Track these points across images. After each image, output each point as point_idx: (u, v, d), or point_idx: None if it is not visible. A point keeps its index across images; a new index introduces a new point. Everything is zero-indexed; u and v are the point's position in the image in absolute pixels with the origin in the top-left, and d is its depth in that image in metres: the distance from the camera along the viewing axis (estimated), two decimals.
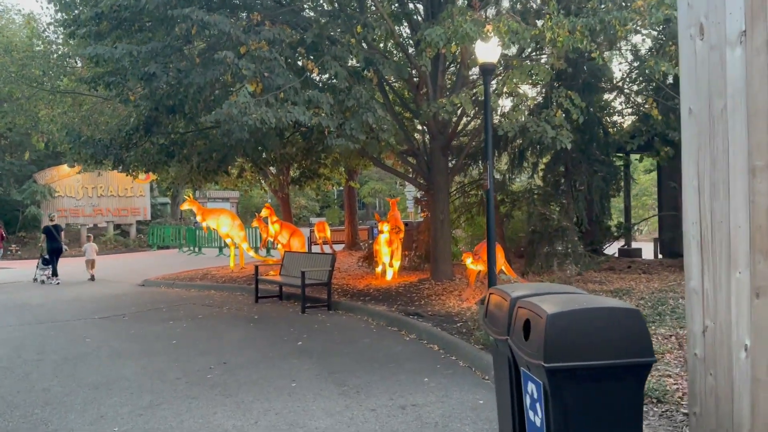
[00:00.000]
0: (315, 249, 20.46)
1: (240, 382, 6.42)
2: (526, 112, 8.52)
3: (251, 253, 17.55)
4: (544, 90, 9.74)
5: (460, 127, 11.82)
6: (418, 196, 31.57)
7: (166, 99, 8.39)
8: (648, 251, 17.90)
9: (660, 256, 16.80)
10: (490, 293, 4.46)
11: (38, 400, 6.05)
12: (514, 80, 8.29)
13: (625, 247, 17.48)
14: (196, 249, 25.46)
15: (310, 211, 46.75)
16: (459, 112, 12.08)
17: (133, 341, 8.70)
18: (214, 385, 6.35)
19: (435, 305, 9.81)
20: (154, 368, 7.13)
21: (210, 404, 5.75)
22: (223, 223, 16.63)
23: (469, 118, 11.80)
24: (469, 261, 9.45)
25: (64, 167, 28.56)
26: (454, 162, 12.12)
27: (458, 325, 8.34)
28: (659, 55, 8.13)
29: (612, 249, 16.20)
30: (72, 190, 29.84)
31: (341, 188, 44.36)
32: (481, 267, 9.71)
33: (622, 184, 13.97)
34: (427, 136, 12.63)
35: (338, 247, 20.54)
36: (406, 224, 14.81)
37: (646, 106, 9.83)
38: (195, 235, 25.47)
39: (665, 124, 10.26)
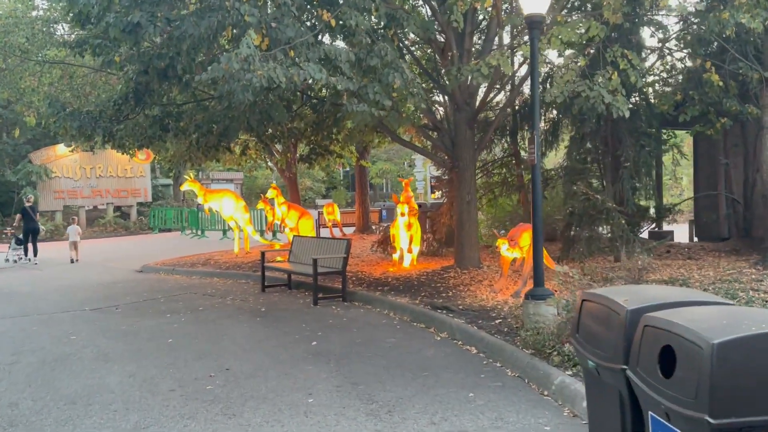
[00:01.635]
0: (323, 232, 19.34)
1: (245, 397, 5.33)
2: (575, 75, 7.32)
3: (257, 236, 16.45)
4: (585, 51, 8.46)
5: (488, 98, 10.60)
6: (438, 174, 30.46)
7: (156, 59, 7.21)
8: (679, 234, 16.70)
9: (695, 239, 15.60)
10: (585, 300, 3.30)
11: (1, 420, 4.97)
12: (560, 37, 7.08)
13: (656, 229, 16.28)
14: (199, 232, 24.38)
15: (315, 192, 45.58)
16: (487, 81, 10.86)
17: (123, 340, 7.62)
18: (214, 400, 5.26)
19: (465, 297, 8.68)
20: (144, 376, 6.05)
21: (209, 427, 4.67)
22: (227, 205, 15.50)
23: (498, 88, 10.57)
24: (504, 247, 8.31)
25: (61, 147, 27.37)
26: (480, 136, 10.91)
27: (497, 322, 7.22)
28: (734, 7, 6.90)
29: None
30: (69, 170, 28.71)
31: (347, 169, 43.18)
32: (518, 254, 8.57)
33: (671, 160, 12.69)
34: (450, 109, 11.40)
35: (348, 230, 19.42)
36: (419, 206, 13.67)
37: (705, 71, 8.58)
38: (197, 218, 24.37)
39: (724, 92, 9.03)
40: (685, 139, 13.97)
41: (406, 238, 11.34)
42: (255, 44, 5.45)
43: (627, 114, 7.24)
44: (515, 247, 8.45)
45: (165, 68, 7.34)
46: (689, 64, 10.06)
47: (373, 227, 19.23)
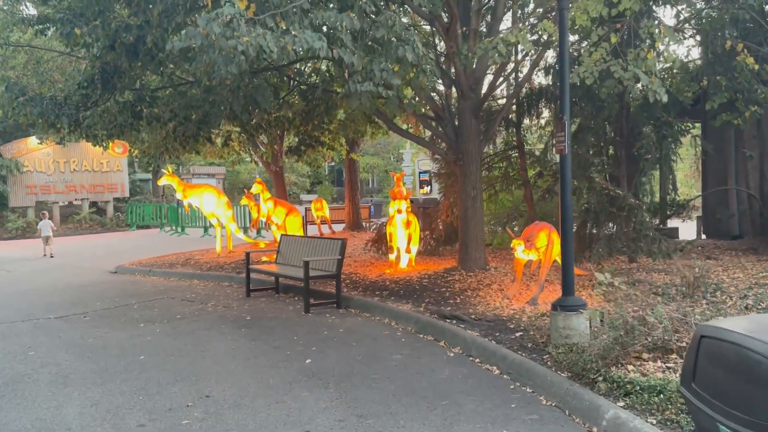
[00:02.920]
0: (311, 229, 18.36)
1: None
2: (606, 54, 6.45)
3: (240, 234, 15.42)
4: (614, 28, 7.52)
5: (497, 84, 9.70)
6: (429, 169, 29.57)
7: (124, 32, 6.19)
8: (685, 231, 15.99)
9: (704, 236, 14.87)
10: (705, 337, 2.41)
11: None
12: (588, 11, 6.21)
13: (660, 225, 15.55)
14: (179, 229, 23.26)
15: (300, 187, 44.44)
16: (493, 67, 9.98)
17: (88, 356, 6.62)
18: None
19: (475, 305, 7.80)
20: (109, 405, 5.08)
21: None
22: (208, 201, 14.45)
23: (505, 74, 9.68)
24: (521, 249, 7.42)
25: (32, 139, 26.07)
26: (486, 127, 10.03)
27: (517, 335, 6.34)
28: None
29: None
30: (42, 164, 27.37)
31: (333, 163, 42.08)
32: (534, 256, 7.70)
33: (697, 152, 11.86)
34: (446, 96, 10.49)
35: (338, 227, 18.46)
36: (410, 201, 12.76)
37: (738, 55, 7.75)
38: (177, 214, 23.24)
39: (757, 77, 8.24)
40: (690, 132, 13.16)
41: (405, 237, 10.42)
42: (240, 6, 4.50)
43: (665, 98, 6.39)
44: (531, 249, 7.58)
45: (134, 43, 6.32)
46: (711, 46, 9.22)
47: (366, 224, 18.26)
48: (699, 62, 9.88)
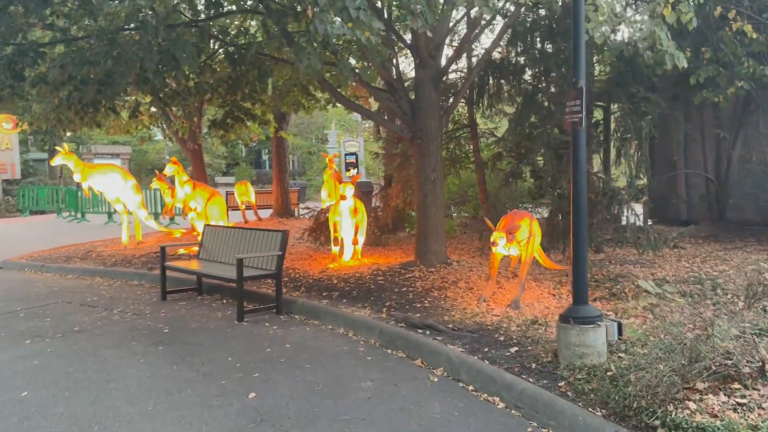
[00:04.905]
0: (234, 216, 16.57)
1: None
2: (618, 8, 5.37)
3: (151, 222, 13.48)
4: None
5: (463, 49, 8.44)
6: (354, 151, 28.04)
7: None
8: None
9: (650, 222, 14.44)
10: None
11: None
12: None
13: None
14: (79, 215, 20.68)
15: (215, 169, 41.74)
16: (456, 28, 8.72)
17: None
18: None
19: (448, 308, 6.58)
20: None
21: None
22: (112, 184, 12.40)
23: (476, 33, 8.40)
24: (502, 243, 6.25)
25: None
26: (446, 101, 8.80)
27: (512, 351, 5.17)
28: None
29: None
30: None
31: (253, 143, 39.71)
32: (515, 251, 6.57)
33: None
34: (396, 65, 9.16)
35: (264, 214, 16.75)
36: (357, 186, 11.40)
37: (728, 24, 6.93)
38: (77, 198, 20.63)
39: (747, 49, 7.46)
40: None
41: (352, 226, 9.06)
42: None
43: (684, 64, 5.40)
44: (512, 242, 6.44)
45: None
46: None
47: (303, 212, 16.58)
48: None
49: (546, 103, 8.91)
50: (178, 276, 8.82)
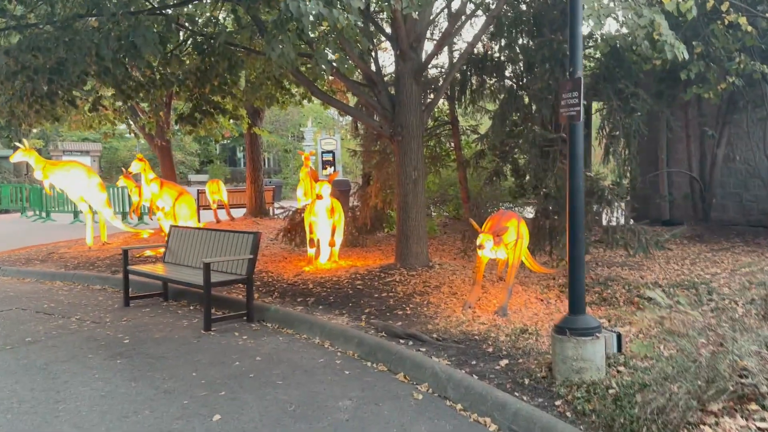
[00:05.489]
0: (206, 215, 15.98)
1: None
2: None
3: (117, 222, 12.85)
4: None
5: (446, 41, 8.01)
6: (331, 149, 27.45)
7: None
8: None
9: (631, 222, 14.22)
10: None
11: None
12: None
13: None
14: (44, 214, 19.85)
15: (188, 167, 40.81)
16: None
17: None
18: None
19: (431, 316, 6.17)
20: None
21: None
22: (75, 181, 11.76)
23: (460, 24, 7.98)
24: (489, 246, 5.86)
25: None
26: (428, 96, 8.38)
27: (503, 364, 4.77)
28: None
29: None
30: None
31: (226, 140, 38.86)
32: (502, 253, 6.19)
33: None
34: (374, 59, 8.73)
35: (237, 213, 16.17)
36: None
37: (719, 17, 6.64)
38: (41, 196, 19.80)
39: (739, 43, 7.17)
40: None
41: (328, 227, 8.60)
42: None
43: (686, 55, 5.06)
44: (500, 245, 6.05)
45: None
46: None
47: (270, 210, 16.05)
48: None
49: (528, 100, 8.54)
50: (143, 280, 8.28)
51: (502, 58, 9.09)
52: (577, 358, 4.23)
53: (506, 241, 6.14)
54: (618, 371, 4.31)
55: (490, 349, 5.10)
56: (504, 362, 4.80)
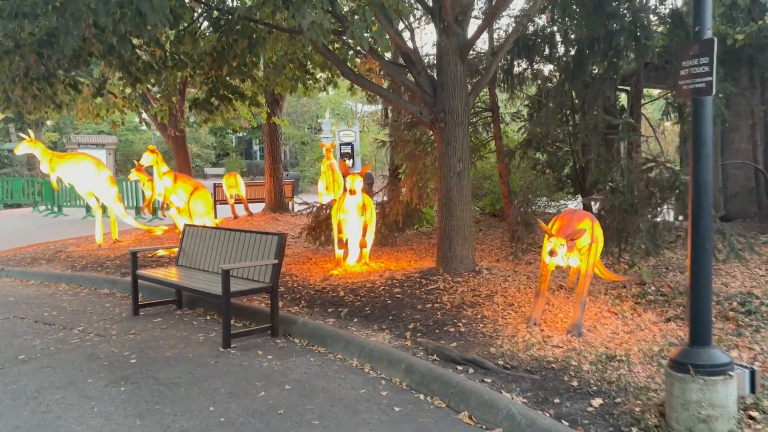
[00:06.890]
0: (223, 211, 15.13)
1: None
2: None
3: (129, 219, 12.04)
4: None
5: (499, 12, 7.02)
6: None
7: None
8: None
9: (680, 218, 13.12)
10: None
11: None
12: None
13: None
14: (55, 208, 19.18)
15: (204, 159, 40.11)
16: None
17: None
18: None
19: (489, 334, 5.21)
20: None
21: None
22: (83, 175, 10.96)
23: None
24: (562, 251, 4.90)
25: None
26: (475, 77, 7.40)
27: (597, 404, 3.81)
28: None
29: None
30: None
31: (242, 133, 38.04)
32: (575, 261, 5.21)
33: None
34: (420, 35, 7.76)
35: (255, 208, 15.30)
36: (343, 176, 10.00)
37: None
38: (53, 190, 19.11)
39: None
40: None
41: (359, 225, 7.67)
42: None
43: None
44: (573, 250, 5.08)
45: None
46: None
47: (299, 207, 15.11)
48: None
49: (586, 83, 7.51)
50: (153, 286, 7.42)
51: (558, 36, 8.05)
52: (705, 404, 3.26)
53: (579, 246, 5.16)
54: (750, 417, 3.35)
55: (575, 383, 4.14)
56: (597, 402, 3.84)
